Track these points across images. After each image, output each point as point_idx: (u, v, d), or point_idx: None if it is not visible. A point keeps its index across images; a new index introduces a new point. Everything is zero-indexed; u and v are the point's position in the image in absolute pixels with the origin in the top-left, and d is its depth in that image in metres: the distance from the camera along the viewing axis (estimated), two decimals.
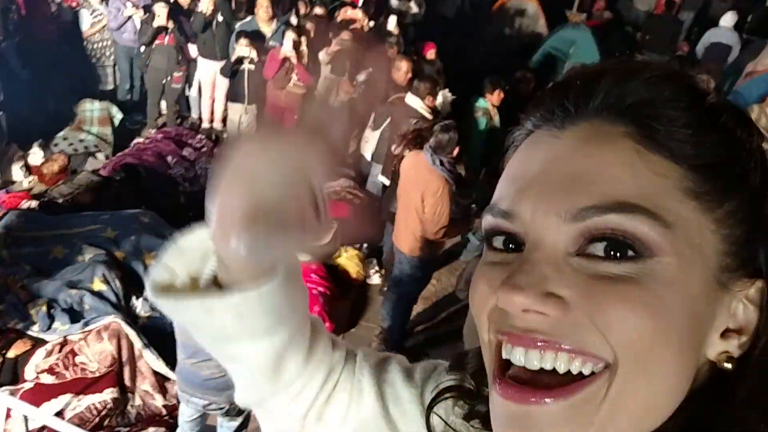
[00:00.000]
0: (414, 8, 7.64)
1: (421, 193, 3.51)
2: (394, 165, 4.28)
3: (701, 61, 8.72)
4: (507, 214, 0.47)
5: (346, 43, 5.33)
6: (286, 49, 5.56)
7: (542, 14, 9.46)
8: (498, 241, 0.48)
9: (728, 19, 8.67)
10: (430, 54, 6.11)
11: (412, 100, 4.57)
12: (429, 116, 4.41)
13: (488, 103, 5.24)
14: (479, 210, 4.31)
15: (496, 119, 5.34)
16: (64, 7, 6.73)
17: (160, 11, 6.02)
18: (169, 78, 6.35)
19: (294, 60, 5.61)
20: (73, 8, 6.75)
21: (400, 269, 3.86)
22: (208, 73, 6.35)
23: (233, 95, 6.08)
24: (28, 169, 5.39)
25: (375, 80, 0.51)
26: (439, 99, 5.23)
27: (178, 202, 5.08)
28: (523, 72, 6.11)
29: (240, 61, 5.76)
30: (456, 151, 3.56)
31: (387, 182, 4.72)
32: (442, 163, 3.48)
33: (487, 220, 0.49)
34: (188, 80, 6.58)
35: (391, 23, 6.29)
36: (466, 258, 4.97)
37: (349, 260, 4.56)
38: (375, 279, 4.76)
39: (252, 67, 5.78)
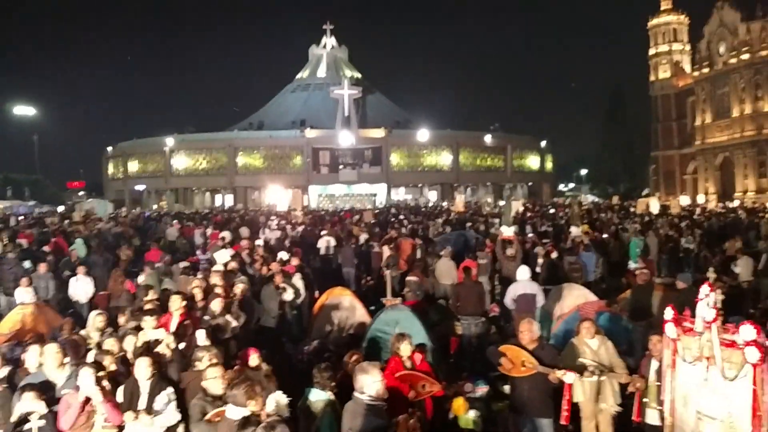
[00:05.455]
0: (233, 322, 7.40)
1: None
2: None
3: (515, 312, 9.41)
4: None
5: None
6: (86, 388, 4.79)
7: (359, 304, 9.80)
8: None
9: (524, 272, 9.72)
10: (253, 360, 5.68)
11: (232, 411, 4.06)
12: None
13: (328, 394, 4.79)
14: None
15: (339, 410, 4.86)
16: None
17: None
18: None
19: (99, 398, 4.82)
20: None
21: None
22: None
23: None
24: None
25: None
26: (271, 404, 4.71)
27: None
28: (350, 353, 5.95)
29: (25, 420, 4.77)
30: None
31: None
32: None
33: None
34: None
35: (200, 337, 5.89)
36: None
37: None
38: None
39: (42, 422, 4.80)
